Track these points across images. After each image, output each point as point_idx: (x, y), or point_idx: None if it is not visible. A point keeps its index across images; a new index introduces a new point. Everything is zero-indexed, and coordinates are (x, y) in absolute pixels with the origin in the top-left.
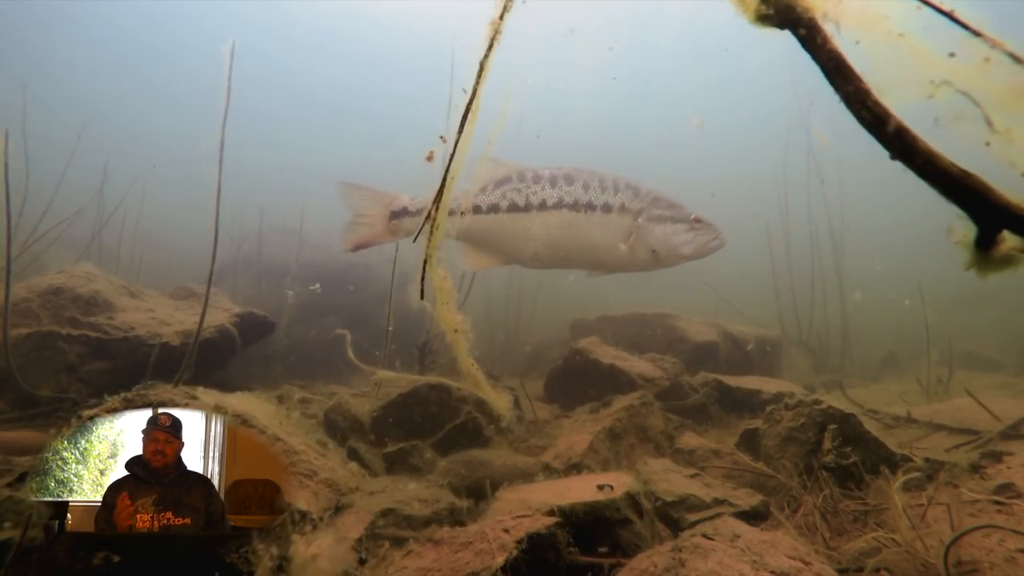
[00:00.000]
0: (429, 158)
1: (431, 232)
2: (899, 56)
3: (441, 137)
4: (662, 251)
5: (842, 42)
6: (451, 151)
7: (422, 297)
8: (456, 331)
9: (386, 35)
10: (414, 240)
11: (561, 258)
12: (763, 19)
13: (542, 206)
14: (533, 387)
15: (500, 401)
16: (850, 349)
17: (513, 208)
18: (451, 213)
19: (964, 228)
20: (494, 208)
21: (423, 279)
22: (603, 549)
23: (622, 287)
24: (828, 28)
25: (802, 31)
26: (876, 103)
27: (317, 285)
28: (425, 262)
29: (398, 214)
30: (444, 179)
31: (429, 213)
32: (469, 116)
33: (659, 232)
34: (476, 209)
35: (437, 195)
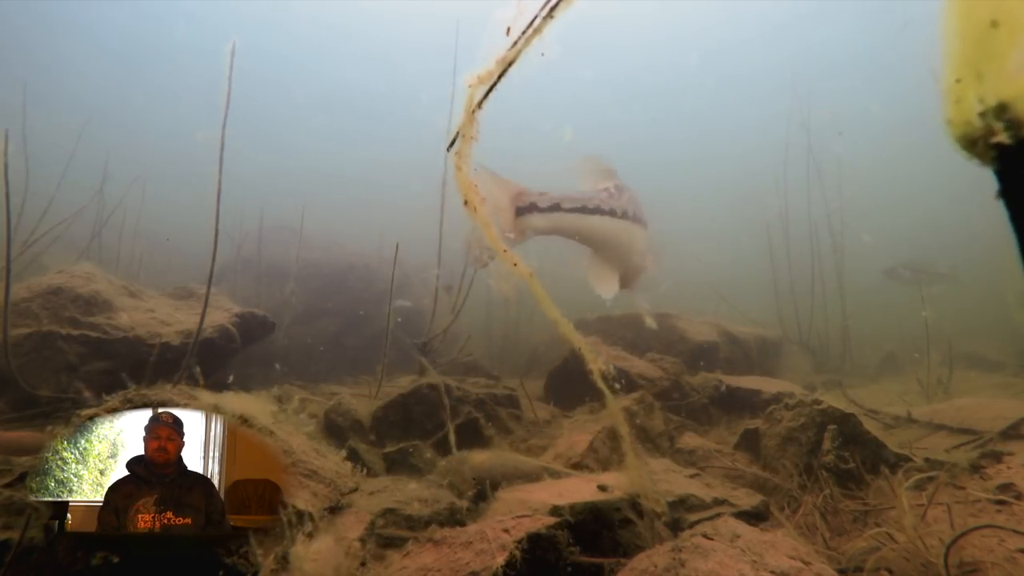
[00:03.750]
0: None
1: (498, 77)
2: None
3: None
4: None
5: None
6: None
7: (449, 149)
8: (472, 207)
9: (388, 33)
10: None
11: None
12: (971, 143)
13: (613, 213)
14: (533, 387)
15: (558, 323)
16: (850, 349)
17: (598, 211)
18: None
19: None
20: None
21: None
22: (603, 549)
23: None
24: None
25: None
26: None
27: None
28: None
29: (526, 209)
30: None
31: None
32: None
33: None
34: (555, 207)
35: (529, 30)
